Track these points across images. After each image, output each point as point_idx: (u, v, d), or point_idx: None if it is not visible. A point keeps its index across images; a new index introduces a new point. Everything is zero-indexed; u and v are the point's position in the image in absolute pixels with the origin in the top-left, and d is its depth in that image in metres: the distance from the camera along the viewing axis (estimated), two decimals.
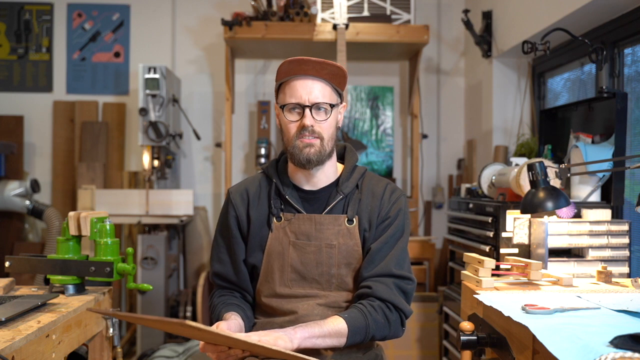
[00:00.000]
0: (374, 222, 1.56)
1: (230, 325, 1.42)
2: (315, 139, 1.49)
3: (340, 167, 1.64)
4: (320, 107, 1.50)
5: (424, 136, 3.93)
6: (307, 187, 1.59)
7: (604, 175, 2.28)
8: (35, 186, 3.74)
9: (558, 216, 2.14)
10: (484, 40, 3.48)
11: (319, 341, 1.39)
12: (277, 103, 1.57)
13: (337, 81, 1.53)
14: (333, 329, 1.40)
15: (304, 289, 1.54)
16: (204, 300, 3.45)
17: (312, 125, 1.48)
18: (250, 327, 1.57)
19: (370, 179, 1.62)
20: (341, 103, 1.58)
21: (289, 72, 1.49)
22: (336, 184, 1.60)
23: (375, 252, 1.52)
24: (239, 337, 1.20)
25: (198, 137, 3.79)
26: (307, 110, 1.48)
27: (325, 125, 1.51)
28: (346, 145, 1.69)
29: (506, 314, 1.37)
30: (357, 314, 1.44)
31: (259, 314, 1.61)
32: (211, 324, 1.48)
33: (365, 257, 1.54)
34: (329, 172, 1.59)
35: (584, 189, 2.30)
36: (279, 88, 1.55)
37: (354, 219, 1.55)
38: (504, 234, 2.24)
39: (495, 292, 1.68)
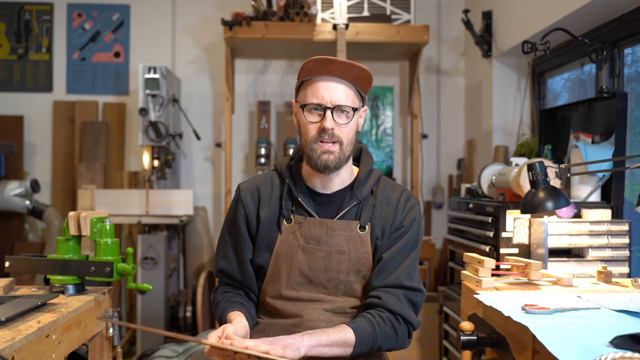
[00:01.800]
0: (387, 230, 1.52)
1: (237, 329, 1.39)
2: (334, 145, 1.45)
3: (355, 170, 1.60)
4: (342, 110, 1.45)
5: (424, 136, 3.93)
6: (320, 190, 1.55)
7: (604, 175, 2.28)
8: (35, 186, 3.74)
9: (558, 216, 2.14)
10: (484, 40, 3.48)
11: (325, 350, 1.36)
12: (296, 101, 1.52)
13: (361, 84, 1.48)
14: (340, 338, 1.37)
15: (311, 292, 1.51)
16: (204, 300, 3.45)
17: (332, 129, 1.44)
18: (253, 327, 1.56)
19: (386, 184, 1.59)
20: (363, 107, 1.54)
21: (313, 70, 1.45)
22: (350, 187, 1.56)
23: (387, 262, 1.49)
24: (250, 349, 1.20)
25: (198, 137, 3.79)
26: (329, 112, 1.44)
27: (346, 130, 1.46)
28: (362, 147, 1.64)
29: (506, 314, 1.37)
30: (365, 324, 1.41)
31: (263, 313, 1.59)
32: (213, 319, 1.46)
33: (375, 265, 1.51)
34: (344, 177, 1.55)
35: (584, 189, 2.30)
36: (300, 86, 1.51)
37: (367, 226, 1.51)
38: (504, 234, 2.24)
39: (495, 292, 1.68)
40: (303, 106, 1.47)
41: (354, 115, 1.47)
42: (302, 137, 1.51)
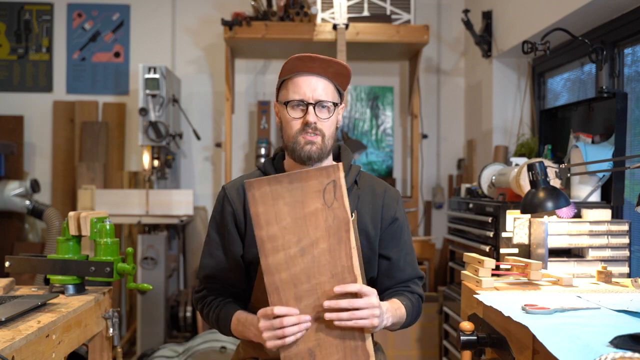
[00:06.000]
0: (378, 221, 1.57)
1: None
2: (317, 136, 1.50)
3: None
4: (323, 105, 1.50)
5: (424, 136, 3.93)
6: None
7: (604, 175, 2.28)
8: (35, 186, 3.74)
9: (558, 216, 2.14)
10: (484, 40, 3.48)
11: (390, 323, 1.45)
12: (277, 101, 1.57)
13: (340, 80, 1.53)
14: (402, 318, 1.49)
15: None
16: None
17: (315, 122, 1.49)
18: None
19: (367, 177, 1.65)
20: (341, 103, 1.58)
21: (294, 68, 1.49)
22: None
23: (399, 260, 1.60)
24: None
25: (198, 137, 3.79)
26: (311, 108, 1.49)
27: (327, 124, 1.51)
28: (341, 145, 1.71)
29: (506, 314, 1.37)
30: (409, 305, 1.54)
31: (256, 310, 1.60)
32: (202, 328, 1.46)
33: (370, 257, 1.56)
34: None
35: (584, 189, 2.30)
36: (282, 85, 1.55)
37: (353, 214, 1.55)
38: (504, 234, 2.24)
39: (495, 292, 1.68)
40: (286, 103, 1.51)
41: (334, 110, 1.52)
42: (285, 133, 1.55)
